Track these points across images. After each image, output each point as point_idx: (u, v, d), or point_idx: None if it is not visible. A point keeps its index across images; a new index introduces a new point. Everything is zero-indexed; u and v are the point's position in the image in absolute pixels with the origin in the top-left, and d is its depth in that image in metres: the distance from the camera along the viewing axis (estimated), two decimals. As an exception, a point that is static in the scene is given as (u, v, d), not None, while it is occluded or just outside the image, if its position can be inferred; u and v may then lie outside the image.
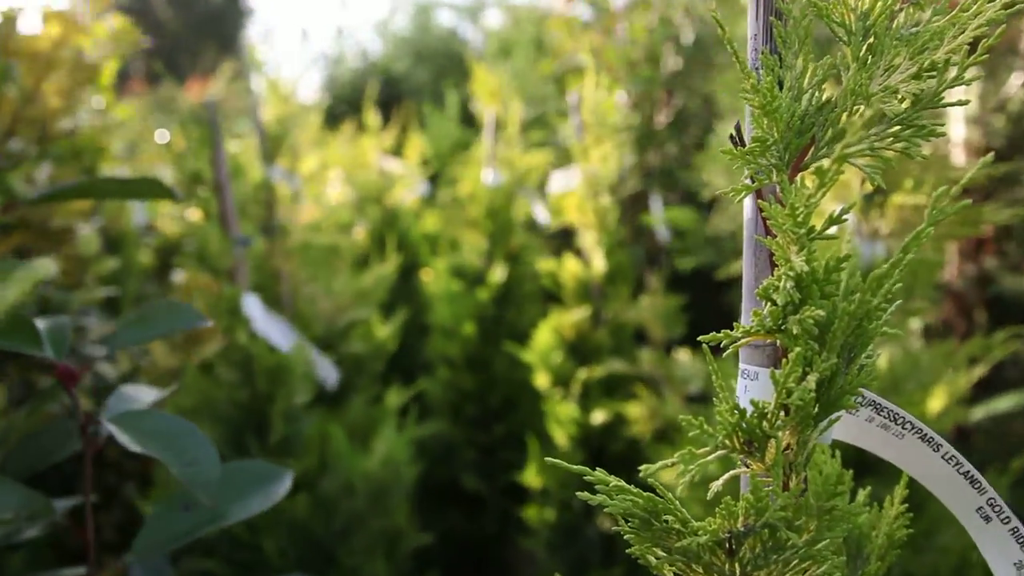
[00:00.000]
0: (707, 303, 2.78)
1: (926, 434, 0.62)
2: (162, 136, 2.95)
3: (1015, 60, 2.17)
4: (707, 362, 0.55)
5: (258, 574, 1.57)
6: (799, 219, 0.52)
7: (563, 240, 3.20)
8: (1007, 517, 0.61)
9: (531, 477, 2.28)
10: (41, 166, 2.00)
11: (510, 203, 3.03)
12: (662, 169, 3.13)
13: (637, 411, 2.08)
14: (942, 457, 0.62)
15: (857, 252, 1.36)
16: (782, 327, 0.54)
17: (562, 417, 2.22)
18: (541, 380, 2.37)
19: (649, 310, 2.29)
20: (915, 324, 1.84)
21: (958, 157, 2.25)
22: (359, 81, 7.05)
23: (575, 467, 0.54)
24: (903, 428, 0.63)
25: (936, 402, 1.43)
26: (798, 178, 0.59)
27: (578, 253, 2.42)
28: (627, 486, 0.54)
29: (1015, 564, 0.61)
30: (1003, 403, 1.78)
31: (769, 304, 0.54)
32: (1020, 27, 2.12)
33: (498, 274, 2.91)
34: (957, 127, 2.31)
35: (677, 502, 0.53)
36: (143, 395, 0.98)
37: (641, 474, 0.51)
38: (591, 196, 2.35)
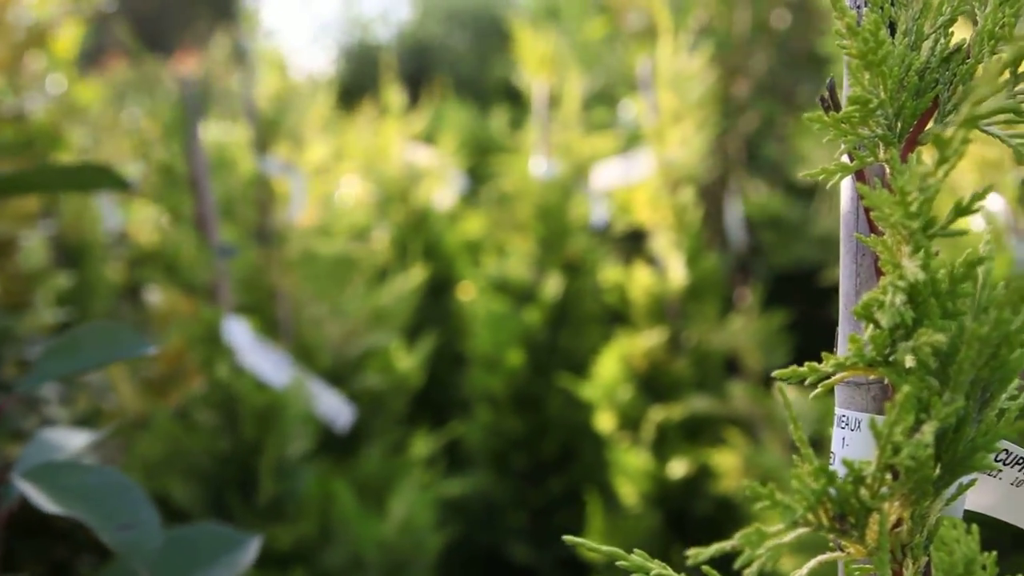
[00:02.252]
0: (818, 321, 2.70)
1: None
2: (135, 122, 2.97)
3: None
4: (786, 404, 0.50)
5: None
6: (912, 209, 0.47)
7: (634, 246, 3.16)
8: None
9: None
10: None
11: (566, 200, 3.00)
12: (746, 148, 3.09)
13: (728, 461, 2.03)
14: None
15: (1008, 255, 1.30)
16: (889, 358, 0.49)
17: (630, 468, 2.18)
18: (604, 422, 2.33)
19: (742, 333, 2.23)
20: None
21: None
22: (381, 52, 7.12)
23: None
24: (1065, 494, 0.57)
25: None
26: (914, 155, 0.54)
27: (651, 261, 2.38)
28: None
29: None
30: None
31: (871, 327, 0.49)
32: None
33: (551, 289, 2.88)
34: None
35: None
36: (69, 440, 0.96)
37: (689, 561, 0.47)
38: (668, 189, 2.30)
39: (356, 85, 6.63)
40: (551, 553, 2.74)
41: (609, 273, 2.45)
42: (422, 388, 2.64)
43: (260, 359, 1.72)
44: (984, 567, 0.65)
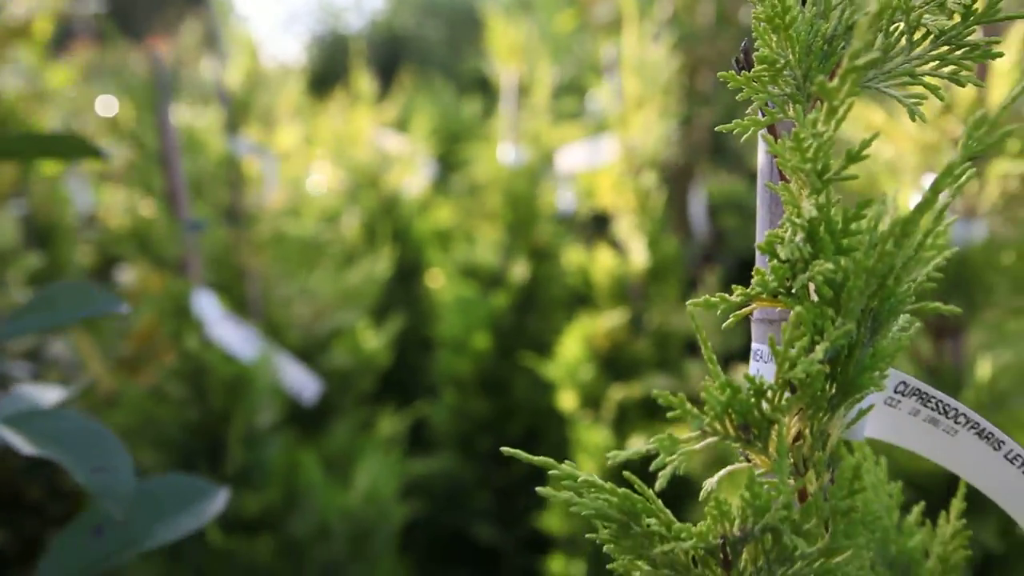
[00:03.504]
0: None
1: (984, 429, 0.63)
2: (106, 104, 3.01)
3: None
4: (697, 328, 0.57)
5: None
6: (808, 155, 0.54)
7: (599, 232, 3.22)
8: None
9: (554, 521, 2.30)
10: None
11: (534, 187, 3.06)
12: (711, 137, 3.16)
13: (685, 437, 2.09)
14: (1004, 456, 0.63)
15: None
16: (791, 289, 0.55)
17: (591, 446, 2.23)
18: (567, 400, 2.38)
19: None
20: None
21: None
22: (353, 40, 7.16)
23: (535, 459, 0.55)
24: (956, 423, 0.64)
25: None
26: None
27: (614, 244, 2.44)
28: (600, 482, 0.55)
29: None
30: None
31: (775, 261, 0.55)
32: None
33: (518, 274, 2.93)
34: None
35: (659, 501, 0.55)
36: (45, 395, 1.01)
37: (609, 462, 0.53)
38: (631, 174, 2.36)
39: (327, 74, 6.67)
40: (514, 533, 2.80)
41: (573, 256, 2.51)
42: (390, 370, 2.68)
43: (228, 332, 1.77)
44: (891, 495, 0.72)
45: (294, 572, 1.70)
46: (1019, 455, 0.63)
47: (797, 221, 0.54)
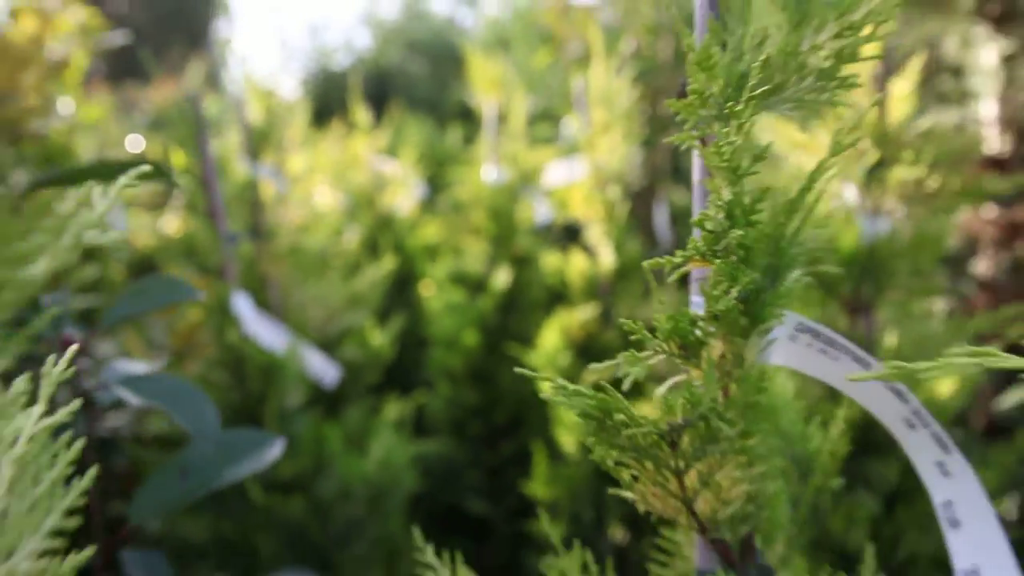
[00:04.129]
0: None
1: (858, 355, 0.81)
2: (135, 143, 3.16)
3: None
4: (653, 289, 0.74)
5: (253, 577, 1.76)
6: (725, 157, 0.72)
7: (572, 241, 3.39)
8: (927, 423, 0.80)
9: (539, 488, 2.46)
10: (16, 171, 2.21)
11: (513, 202, 3.22)
12: (671, 160, 3.34)
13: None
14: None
15: (856, 229, 1.55)
16: (715, 251, 0.73)
17: (569, 422, 2.40)
18: (547, 384, 2.54)
19: (661, 307, 2.46)
20: (938, 308, 2.03)
21: (992, 134, 2.45)
22: (346, 77, 7.31)
23: (545, 378, 0.73)
24: (839, 351, 0.82)
25: (945, 386, 1.61)
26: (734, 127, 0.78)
27: (586, 249, 2.61)
28: (583, 389, 0.73)
29: (936, 463, 0.79)
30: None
31: (704, 232, 0.73)
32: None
33: (501, 280, 3.09)
34: (989, 105, 2.51)
35: (624, 401, 0.72)
36: (136, 367, 1.18)
37: (590, 377, 0.71)
38: (599, 188, 2.54)
39: (321, 107, 6.82)
40: (503, 505, 2.95)
41: (550, 259, 2.68)
42: (391, 366, 2.84)
43: (261, 328, 1.93)
44: (764, 379, 0.90)
45: (321, 526, 1.86)
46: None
47: (719, 203, 0.72)
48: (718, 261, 0.70)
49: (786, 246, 0.73)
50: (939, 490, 0.80)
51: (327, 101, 6.93)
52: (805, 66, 0.79)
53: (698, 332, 0.72)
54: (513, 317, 3.14)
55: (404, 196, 4.19)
